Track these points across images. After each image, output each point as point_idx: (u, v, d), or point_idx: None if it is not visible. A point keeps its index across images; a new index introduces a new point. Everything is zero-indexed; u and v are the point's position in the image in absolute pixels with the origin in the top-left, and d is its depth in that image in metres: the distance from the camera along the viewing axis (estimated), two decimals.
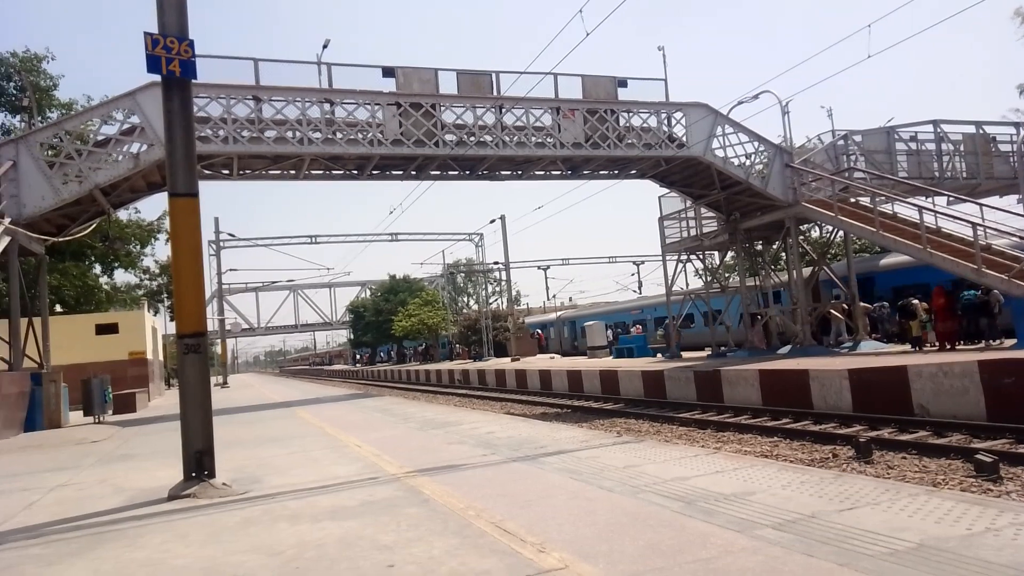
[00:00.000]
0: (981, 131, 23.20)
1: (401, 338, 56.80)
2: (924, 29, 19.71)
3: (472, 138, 18.95)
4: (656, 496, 5.18)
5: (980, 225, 16.47)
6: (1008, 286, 15.11)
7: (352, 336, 72.63)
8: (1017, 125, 25.43)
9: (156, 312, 40.48)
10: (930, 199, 19.78)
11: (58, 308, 31.58)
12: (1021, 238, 16.08)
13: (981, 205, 18.06)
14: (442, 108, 18.82)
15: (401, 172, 20.42)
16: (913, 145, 22.31)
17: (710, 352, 24.51)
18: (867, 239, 22.82)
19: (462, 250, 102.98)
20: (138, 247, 35.35)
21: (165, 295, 40.09)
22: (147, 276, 39.89)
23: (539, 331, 49.91)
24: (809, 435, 11.50)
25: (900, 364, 12.68)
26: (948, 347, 16.39)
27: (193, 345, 6.83)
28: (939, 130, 22.48)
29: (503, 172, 21.34)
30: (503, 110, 19.24)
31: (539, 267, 64.81)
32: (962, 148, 22.83)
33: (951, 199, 20.99)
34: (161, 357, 40.01)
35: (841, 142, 21.85)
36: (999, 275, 15.32)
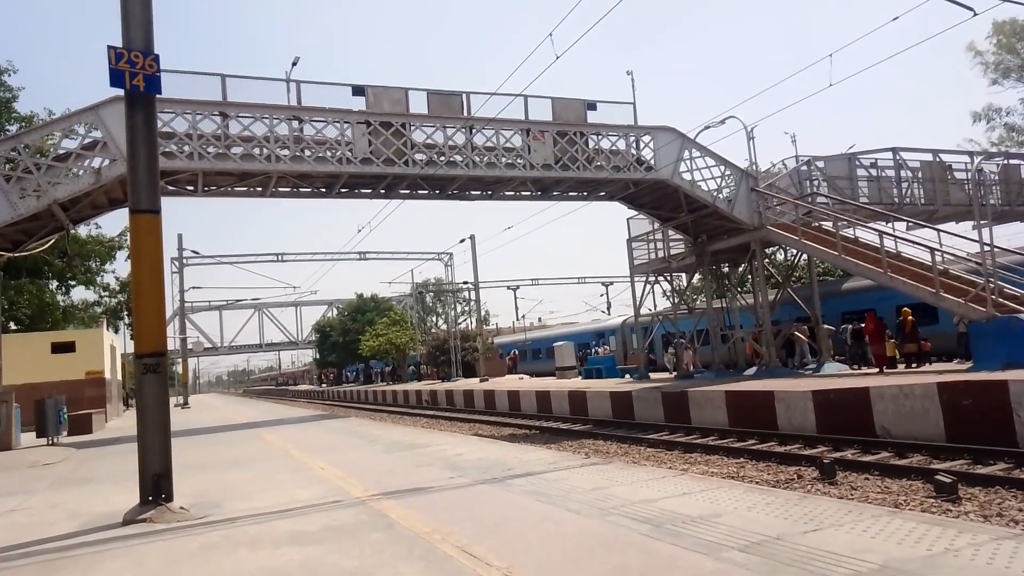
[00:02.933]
0: (938, 159, 23.92)
1: (368, 358, 56.25)
2: (882, 60, 20.35)
3: (442, 158, 18.97)
4: (624, 519, 5.16)
5: (938, 250, 16.92)
6: (965, 310, 15.51)
7: (318, 356, 71.72)
8: (971, 154, 26.31)
9: (116, 330, 39.50)
10: (890, 224, 20.29)
11: (12, 326, 30.66)
12: (977, 263, 16.54)
13: (939, 231, 18.58)
14: (412, 127, 18.82)
15: (370, 191, 20.32)
16: (873, 171, 22.89)
17: (677, 373, 24.70)
18: (830, 263, 23.34)
19: (431, 269, 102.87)
20: (98, 263, 34.57)
21: (125, 313, 39.15)
22: (107, 293, 38.93)
23: (515, 351, 49.69)
24: (775, 456, 11.60)
25: (863, 386, 12.89)
26: (883, 370, 17.47)
27: (152, 365, 6.66)
28: (898, 157, 23.12)
29: (473, 192, 21.37)
30: (473, 130, 19.30)
31: (509, 287, 64.88)
32: (920, 175, 23.49)
33: (910, 224, 21.55)
34: (120, 376, 38.97)
35: (804, 167, 22.33)
36: (957, 299, 15.73)
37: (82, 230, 29.78)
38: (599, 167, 20.32)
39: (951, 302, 15.82)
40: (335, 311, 67.86)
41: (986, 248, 16.14)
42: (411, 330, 53.23)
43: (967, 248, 18.05)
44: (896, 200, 22.66)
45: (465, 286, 50.51)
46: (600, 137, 20.63)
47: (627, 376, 26.30)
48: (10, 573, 4.88)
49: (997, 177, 24.86)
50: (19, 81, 46.57)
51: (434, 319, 64.69)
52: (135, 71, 6.69)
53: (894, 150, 23.06)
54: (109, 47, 6.66)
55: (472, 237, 41.14)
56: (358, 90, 18.37)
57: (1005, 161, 25.95)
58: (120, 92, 7.04)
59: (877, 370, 17.82)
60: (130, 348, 42.01)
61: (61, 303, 35.01)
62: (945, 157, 24.22)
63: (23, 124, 29.05)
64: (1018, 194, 24.79)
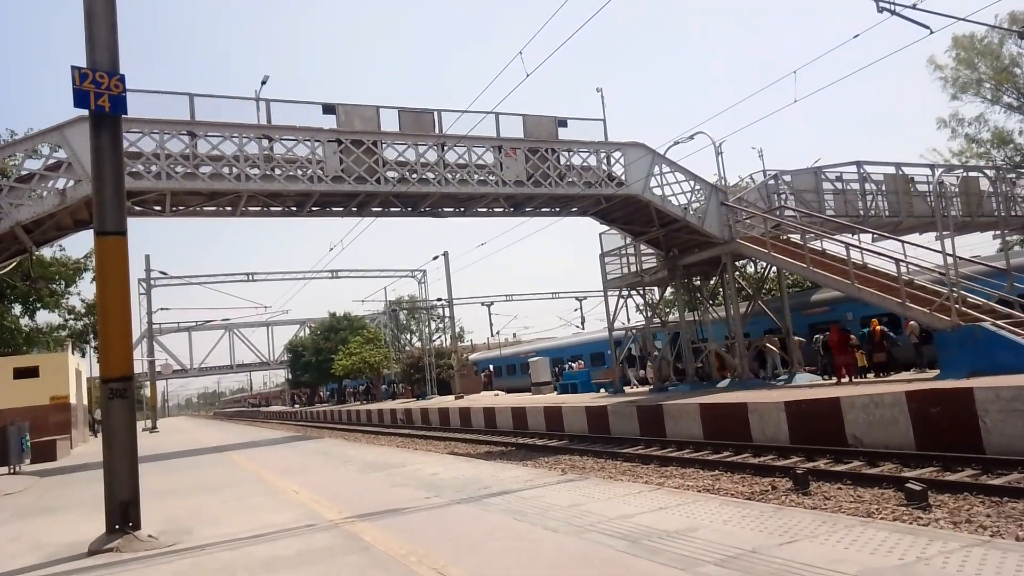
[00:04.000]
0: (901, 172, 24.47)
1: (342, 377, 55.67)
2: (845, 76, 20.82)
3: (414, 175, 18.96)
4: (601, 535, 5.15)
5: (903, 261, 17.29)
6: (930, 319, 15.84)
7: (291, 376, 70.81)
8: (933, 166, 26.97)
9: (83, 354, 38.61)
10: (856, 236, 20.69)
11: None
12: (941, 273, 16.92)
13: (903, 242, 18.99)
14: (384, 145, 18.79)
15: (342, 209, 20.21)
16: (839, 184, 23.34)
17: (652, 387, 24.82)
18: (799, 274, 23.68)
19: (405, 286, 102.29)
20: (63, 286, 33.83)
21: (91, 335, 38.31)
22: (72, 316, 38.06)
23: (490, 367, 49.59)
24: (749, 468, 11.68)
25: (833, 396, 13.06)
26: (847, 379, 18.16)
27: (119, 390, 6.52)
28: (862, 170, 23.61)
29: (446, 209, 21.36)
30: (445, 148, 19.33)
31: (483, 303, 64.79)
32: (884, 188, 24.01)
33: (875, 236, 21.99)
34: (86, 401, 38.05)
35: (772, 181, 22.71)
36: (922, 309, 16.05)
37: (46, 251, 29.16)
38: (571, 183, 20.46)
39: (917, 312, 16.15)
40: (307, 330, 67.13)
41: (949, 259, 16.52)
42: (385, 348, 52.84)
43: (931, 259, 18.48)
44: (861, 212, 23.12)
45: (439, 303, 50.37)
46: (571, 153, 20.79)
47: (602, 390, 26.36)
48: None
49: (958, 189, 25.50)
50: None
51: (408, 336, 64.29)
52: (100, 91, 6.60)
53: (858, 163, 23.56)
54: (73, 67, 6.56)
55: (446, 254, 41.22)
56: (329, 108, 18.32)
57: (965, 174, 26.65)
58: (85, 112, 6.93)
59: (835, 380, 18.50)
60: (96, 372, 41.11)
61: (25, 327, 34.15)
62: (907, 170, 24.79)
63: None
64: (978, 205, 25.45)
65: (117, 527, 6.30)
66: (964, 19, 13.34)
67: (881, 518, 7.59)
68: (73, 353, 33.72)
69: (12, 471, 16.79)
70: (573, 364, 36.42)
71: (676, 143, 21.21)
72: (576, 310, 66.74)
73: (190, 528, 6.96)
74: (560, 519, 5.83)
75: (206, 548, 5.98)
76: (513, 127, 20.07)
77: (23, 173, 16.09)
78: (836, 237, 19.97)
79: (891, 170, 24.34)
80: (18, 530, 8.04)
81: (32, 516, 9.23)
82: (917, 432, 11.31)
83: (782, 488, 9.86)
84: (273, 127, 17.74)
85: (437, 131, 19.29)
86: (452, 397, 37.56)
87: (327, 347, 57.34)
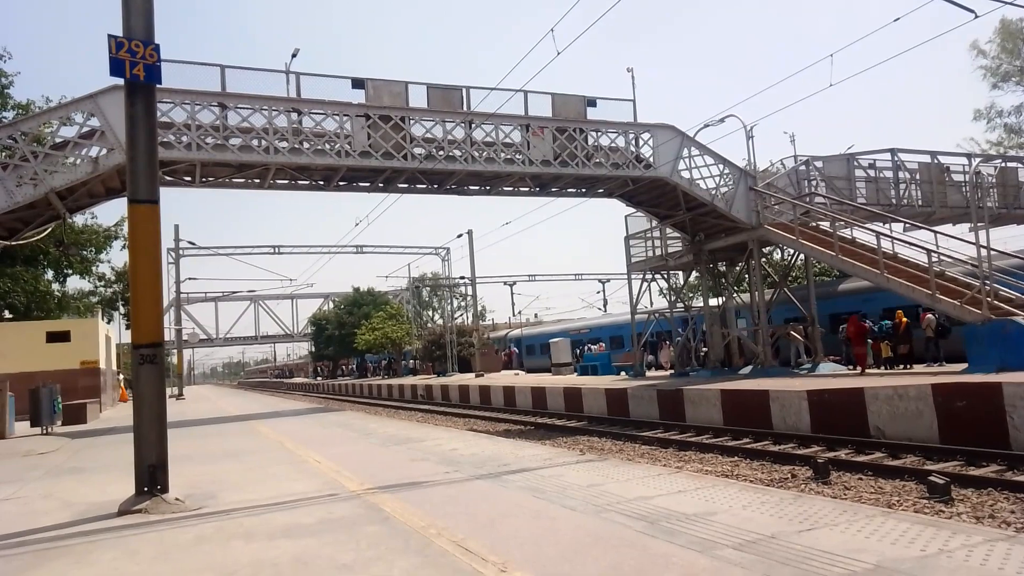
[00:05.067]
0: (936, 161, 23.95)
1: (364, 352, 56.19)
2: (884, 60, 20.32)
3: (441, 152, 18.93)
4: (619, 516, 5.17)
5: (934, 252, 16.97)
6: (960, 312, 15.56)
7: (314, 349, 71.65)
8: (969, 156, 26.33)
9: (110, 320, 39.40)
10: (887, 225, 20.32)
11: (7, 314, 30.57)
12: (973, 266, 16.59)
13: (935, 232, 18.62)
14: (411, 121, 18.78)
15: (368, 184, 20.27)
16: (872, 172, 22.91)
17: (673, 371, 24.75)
18: (827, 263, 23.36)
19: (428, 264, 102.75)
20: (93, 253, 34.45)
21: (120, 303, 39.06)
22: (102, 283, 38.82)
23: (513, 347, 49.39)
24: (769, 455, 11.64)
25: (857, 386, 12.93)
26: (861, 370, 18.25)
27: (149, 356, 6.64)
28: (896, 158, 23.14)
29: (471, 187, 21.33)
30: (473, 125, 19.26)
31: (505, 283, 64.93)
32: (918, 177, 23.52)
33: (907, 226, 21.59)
34: (115, 367, 38.88)
35: (803, 167, 22.34)
36: (952, 301, 15.77)
37: (78, 219, 29.69)
38: (598, 164, 20.30)
39: (947, 304, 15.87)
40: (331, 304, 67.74)
41: (982, 251, 16.18)
42: (407, 324, 53.19)
43: (964, 251, 18.11)
44: (894, 201, 22.69)
45: (462, 281, 50.49)
46: (599, 134, 20.61)
47: (622, 373, 26.34)
48: (5, 562, 4.88)
49: (994, 180, 24.91)
50: (15, 67, 46.36)
51: (430, 314, 64.63)
52: (135, 60, 6.66)
53: (892, 151, 23.09)
54: (110, 36, 6.63)
55: (470, 232, 41.16)
56: (358, 83, 18.31)
57: (1003, 164, 25.99)
58: (119, 80, 7.00)
59: (859, 371, 18.36)
60: (125, 338, 41.95)
61: (57, 292, 34.90)
62: (943, 159, 24.25)
63: (20, 111, 28.89)
64: (1015, 197, 24.85)
65: (146, 489, 6.46)
66: (1011, 3, 12.91)
67: (902, 510, 7.53)
68: (102, 319, 34.42)
69: (44, 432, 17.27)
70: (593, 346, 36.43)
71: (706, 126, 20.93)
72: (598, 292, 66.63)
73: (215, 493, 7.12)
74: (578, 498, 5.87)
75: (230, 513, 6.11)
76: (541, 106, 19.93)
77: (57, 141, 16.32)
78: (866, 226, 19.64)
79: (926, 159, 23.84)
80: (50, 488, 8.28)
81: (63, 475, 9.50)
82: (942, 426, 11.17)
83: (802, 477, 9.82)
84: (302, 100, 17.79)
85: (465, 108, 19.22)
86: (472, 375, 37.78)
87: (350, 321, 57.85)
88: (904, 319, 18.36)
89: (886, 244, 18.52)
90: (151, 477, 6.50)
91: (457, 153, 19.12)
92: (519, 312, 67.87)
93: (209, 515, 6.08)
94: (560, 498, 5.92)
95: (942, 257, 17.29)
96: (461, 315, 58.59)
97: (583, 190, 22.48)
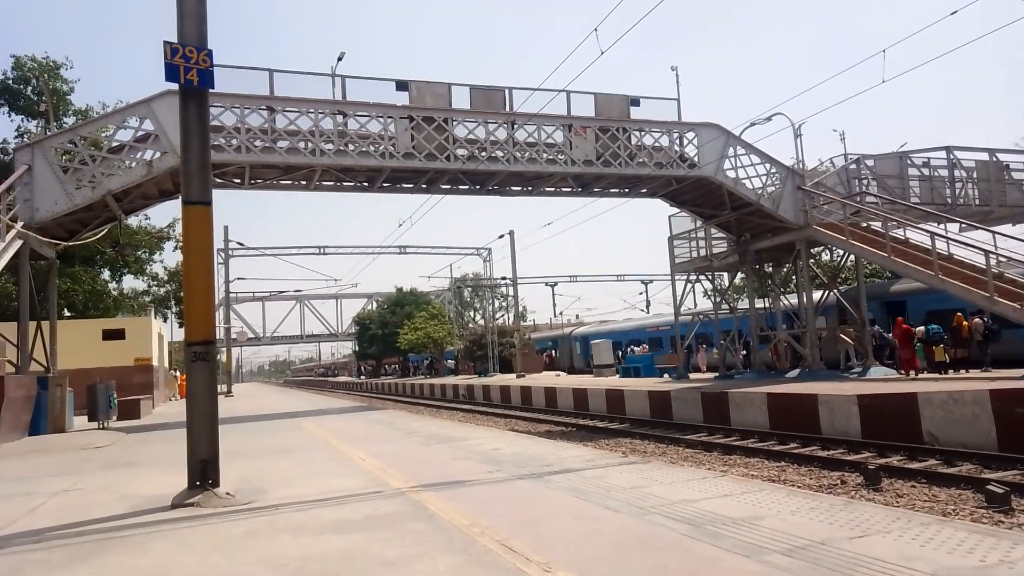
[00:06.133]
0: (995, 158, 23.13)
1: (406, 351, 56.71)
2: (939, 56, 19.66)
3: (483, 153, 19.02)
4: (663, 518, 5.12)
5: (992, 253, 16.39)
6: (1020, 315, 14.99)
7: (357, 348, 72.59)
8: None
9: (164, 319, 40.61)
10: (942, 225, 19.70)
11: (67, 313, 31.74)
12: None
13: (994, 233, 17.98)
14: (454, 123, 18.91)
15: (412, 185, 20.48)
16: (926, 171, 22.24)
17: (718, 374, 24.40)
18: (878, 264, 22.75)
19: (470, 264, 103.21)
20: (147, 253, 35.56)
21: (172, 302, 40.24)
22: (155, 282, 40.05)
23: (553, 349, 49.38)
24: (817, 461, 11.38)
25: (910, 391, 12.56)
26: (906, 374, 17.96)
27: (201, 353, 6.82)
28: (952, 156, 22.43)
29: (513, 188, 21.38)
30: (515, 126, 19.31)
31: (547, 283, 64.80)
32: (975, 175, 22.75)
33: (963, 226, 20.89)
34: (167, 364, 40.05)
35: (853, 166, 21.81)
36: (1011, 304, 15.20)
37: (131, 221, 30.68)
38: (641, 163, 20.15)
39: (1005, 307, 15.30)
40: (375, 304, 68.53)
41: None
42: (449, 324, 53.50)
43: None
44: (949, 200, 22.00)
45: (503, 282, 50.58)
46: (643, 133, 20.45)
47: (665, 376, 26.08)
48: (66, 550, 5.07)
49: None
50: (73, 74, 48.10)
51: (472, 314, 64.92)
52: (189, 66, 6.85)
53: (948, 149, 22.38)
54: (165, 43, 6.83)
55: (511, 233, 41.20)
56: (402, 85, 18.53)
57: None
58: (173, 86, 7.21)
59: (904, 375, 18.06)
60: (177, 337, 43.18)
61: (113, 291, 36.13)
62: (1002, 156, 23.42)
63: (79, 117, 30.01)
64: None
65: (198, 483, 6.64)
66: None
67: (959, 519, 7.29)
68: (155, 318, 35.49)
69: (100, 426, 17.87)
70: (636, 348, 36.12)
71: (752, 124, 20.60)
72: (641, 293, 66.06)
73: (264, 488, 7.27)
74: (621, 500, 5.83)
75: (279, 508, 6.24)
76: (584, 106, 19.89)
77: (114, 144, 16.89)
78: (920, 226, 19.06)
79: (984, 156, 23.04)
80: (106, 481, 8.57)
81: (119, 469, 9.81)
82: (1000, 432, 10.78)
83: (852, 483, 9.58)
84: (348, 103, 18.08)
85: (507, 109, 19.28)
86: (513, 375, 37.82)
87: (393, 321, 58.45)
88: (964, 322, 17.77)
89: (940, 244, 17.95)
90: (203, 472, 6.67)
91: (499, 154, 19.19)
92: (560, 313, 67.69)
93: (259, 509, 6.21)
94: (603, 499, 5.89)
95: (1000, 258, 16.69)
96: (502, 315, 58.71)
97: (626, 190, 22.33)
